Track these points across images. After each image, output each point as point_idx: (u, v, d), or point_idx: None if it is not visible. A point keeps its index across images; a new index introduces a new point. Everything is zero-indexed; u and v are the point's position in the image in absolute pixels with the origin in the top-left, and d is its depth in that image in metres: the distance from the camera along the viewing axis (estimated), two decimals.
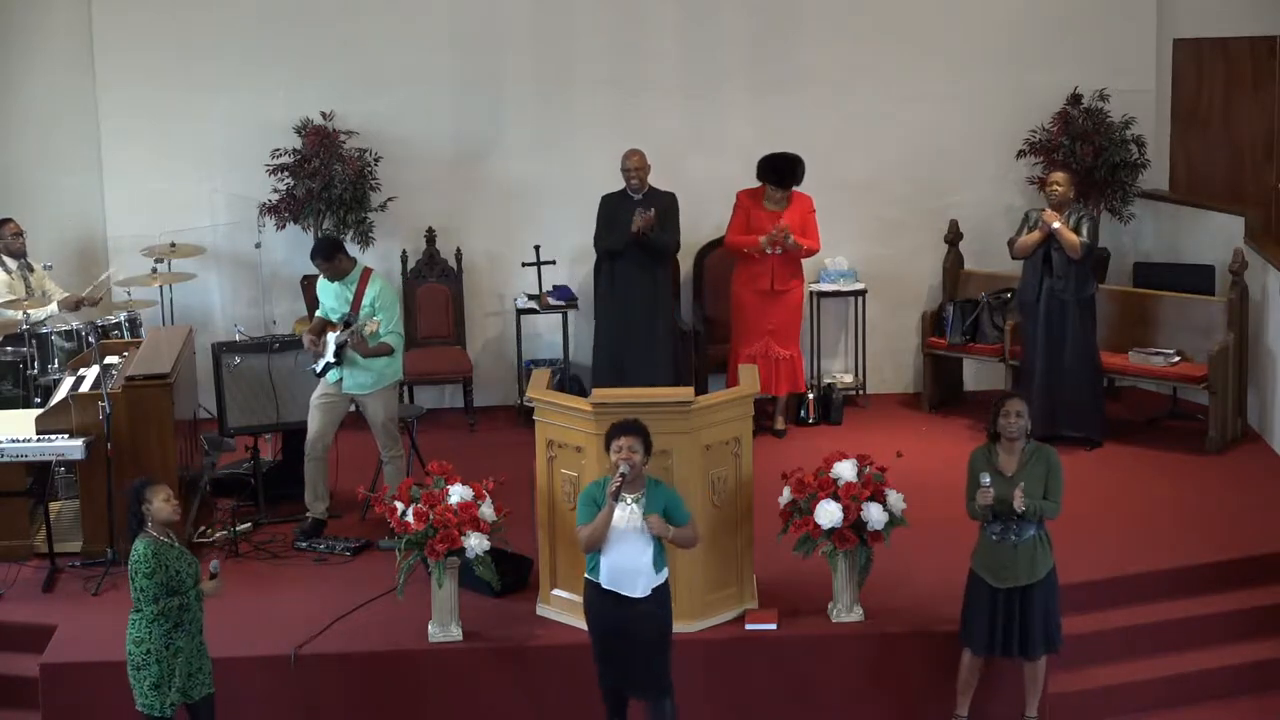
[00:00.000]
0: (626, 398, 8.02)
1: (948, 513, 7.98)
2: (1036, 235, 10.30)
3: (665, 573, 7.34)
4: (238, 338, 10.06)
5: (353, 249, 10.45)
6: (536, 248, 11.18)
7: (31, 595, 8.73)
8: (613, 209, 10.44)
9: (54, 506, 9.50)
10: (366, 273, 9.32)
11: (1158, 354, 10.64)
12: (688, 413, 7.93)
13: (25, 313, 10.17)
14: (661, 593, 7.32)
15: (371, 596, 8.46)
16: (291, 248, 11.42)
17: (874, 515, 7.91)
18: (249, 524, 9.46)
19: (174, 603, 7.01)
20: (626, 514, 7.22)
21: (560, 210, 11.31)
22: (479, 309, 11.68)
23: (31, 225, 10.78)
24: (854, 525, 7.93)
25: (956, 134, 11.53)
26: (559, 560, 8.24)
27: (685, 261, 11.53)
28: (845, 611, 8.16)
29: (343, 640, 8.10)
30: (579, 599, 7.78)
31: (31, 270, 10.64)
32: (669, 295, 10.75)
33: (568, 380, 11.07)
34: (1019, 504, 7.49)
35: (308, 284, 11.22)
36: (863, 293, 11.46)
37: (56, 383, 9.74)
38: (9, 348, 10.24)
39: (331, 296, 9.31)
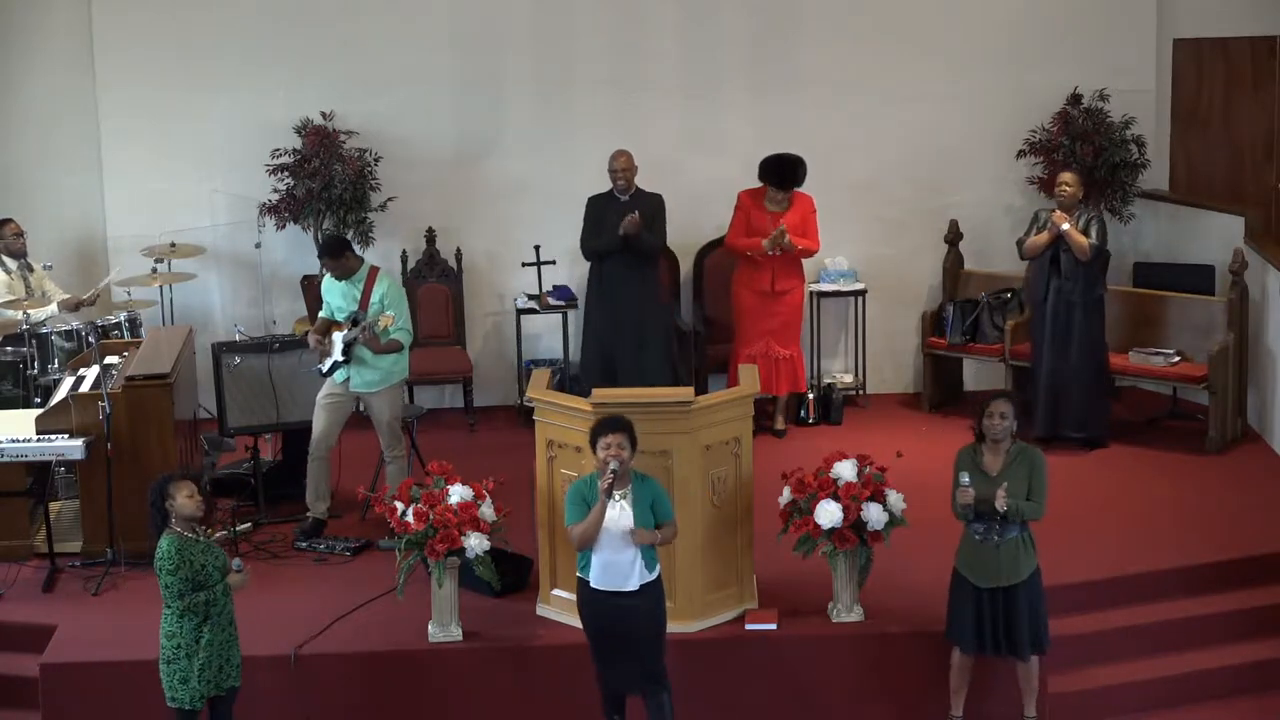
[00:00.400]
0: (627, 398, 8.02)
1: (948, 513, 7.95)
2: (1045, 236, 10.29)
3: (657, 569, 7.36)
4: (238, 338, 10.06)
5: None
6: (536, 248, 11.18)
7: (31, 595, 8.73)
8: (600, 210, 10.42)
9: (54, 506, 9.50)
10: (373, 271, 9.33)
11: (1158, 354, 10.65)
12: (688, 413, 7.93)
13: (25, 313, 10.17)
14: (655, 587, 7.33)
15: (371, 596, 8.46)
16: (291, 248, 11.42)
17: (874, 515, 7.92)
18: (249, 524, 9.46)
19: (200, 598, 7.05)
20: (616, 512, 7.23)
21: (560, 210, 11.29)
22: (479, 309, 11.68)
23: (31, 225, 10.78)
24: (854, 525, 7.93)
25: (956, 134, 11.53)
26: (559, 560, 8.23)
27: (685, 261, 11.54)
28: (845, 611, 8.16)
29: (343, 640, 8.10)
30: None
31: (31, 270, 10.64)
32: (658, 295, 10.70)
33: (568, 380, 11.07)
34: (1001, 504, 7.50)
35: (308, 284, 11.23)
36: (863, 293, 11.46)
37: (56, 383, 9.74)
38: (9, 348, 10.24)
39: (338, 295, 9.31)
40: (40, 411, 9.10)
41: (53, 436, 8.89)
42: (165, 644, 7.14)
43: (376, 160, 11.23)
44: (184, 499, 7.10)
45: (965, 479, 7.57)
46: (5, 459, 8.88)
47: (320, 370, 9.30)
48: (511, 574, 8.49)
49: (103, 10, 11.24)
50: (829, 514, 7.88)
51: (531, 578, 8.56)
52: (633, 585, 7.25)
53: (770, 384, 10.67)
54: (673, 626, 7.59)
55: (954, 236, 11.46)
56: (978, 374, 11.62)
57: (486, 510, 7.98)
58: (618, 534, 7.22)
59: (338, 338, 9.21)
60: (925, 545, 8.38)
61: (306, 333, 9.53)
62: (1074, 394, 10.38)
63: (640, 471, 7.43)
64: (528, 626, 8.25)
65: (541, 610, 8.36)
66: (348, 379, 9.23)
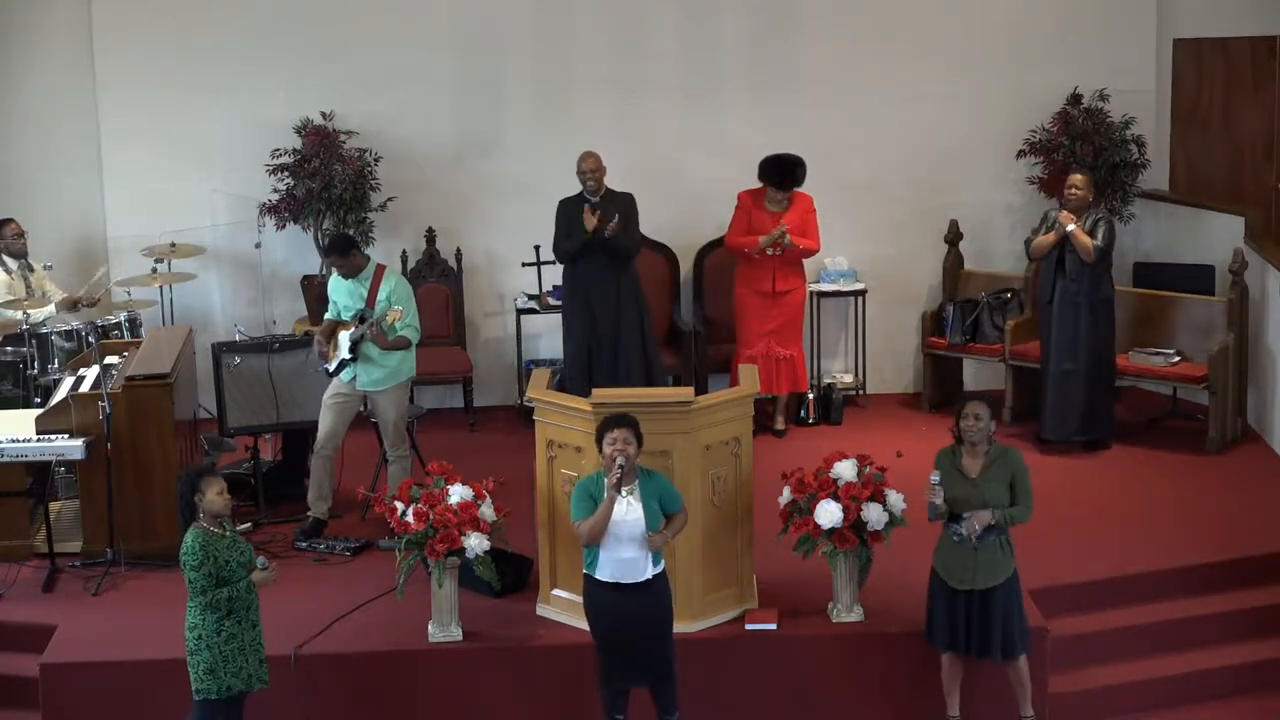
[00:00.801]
0: (627, 398, 8.02)
1: None
2: (1052, 236, 10.27)
3: (662, 563, 7.39)
4: (238, 338, 10.05)
5: None
6: (536, 248, 11.17)
7: (31, 595, 8.72)
8: (571, 212, 10.34)
9: (54, 506, 9.50)
10: (380, 268, 9.33)
11: (1158, 354, 10.65)
12: (688, 413, 7.93)
13: (25, 313, 10.17)
14: (661, 579, 7.37)
15: (371, 596, 8.46)
16: (291, 248, 11.43)
17: (874, 515, 7.91)
18: (249, 524, 9.45)
19: (222, 594, 7.06)
20: (623, 508, 7.25)
21: None
22: (479, 309, 11.68)
23: (31, 225, 10.78)
24: (854, 525, 7.93)
25: (956, 134, 11.53)
26: (559, 560, 8.23)
27: (685, 261, 11.54)
28: (845, 611, 8.16)
29: (343, 640, 8.10)
30: (579, 599, 7.78)
31: (32, 270, 10.65)
32: (636, 297, 10.53)
33: (567, 380, 11.04)
34: (991, 520, 7.48)
35: (308, 284, 11.23)
36: (863, 293, 11.46)
37: (56, 383, 9.74)
38: (9, 348, 10.24)
39: (345, 294, 9.31)
40: (40, 411, 9.10)
41: (53, 436, 8.89)
42: (188, 636, 7.15)
43: (376, 160, 11.23)
44: (214, 495, 7.11)
45: (935, 477, 7.55)
46: (5, 459, 8.88)
47: (327, 370, 9.29)
48: (511, 574, 8.49)
49: (103, 10, 11.25)
50: (829, 514, 7.88)
51: (531, 578, 8.56)
52: (646, 576, 7.28)
53: (771, 384, 10.66)
54: (674, 627, 7.57)
55: (954, 236, 11.46)
56: (978, 374, 11.61)
57: (486, 510, 7.97)
58: (625, 529, 7.24)
59: (344, 336, 9.21)
60: (925, 545, 8.35)
61: (307, 333, 9.53)
62: (1080, 395, 10.36)
63: (645, 467, 7.44)
64: (528, 626, 8.25)
65: (541, 610, 8.36)
66: (354, 378, 9.23)
